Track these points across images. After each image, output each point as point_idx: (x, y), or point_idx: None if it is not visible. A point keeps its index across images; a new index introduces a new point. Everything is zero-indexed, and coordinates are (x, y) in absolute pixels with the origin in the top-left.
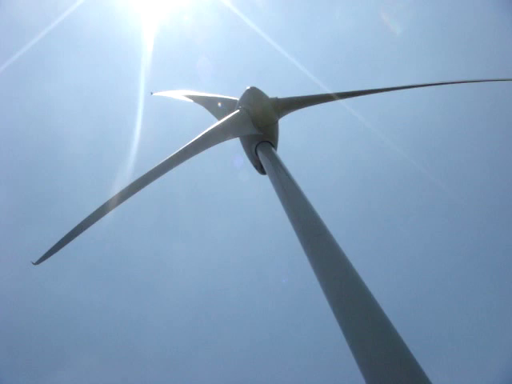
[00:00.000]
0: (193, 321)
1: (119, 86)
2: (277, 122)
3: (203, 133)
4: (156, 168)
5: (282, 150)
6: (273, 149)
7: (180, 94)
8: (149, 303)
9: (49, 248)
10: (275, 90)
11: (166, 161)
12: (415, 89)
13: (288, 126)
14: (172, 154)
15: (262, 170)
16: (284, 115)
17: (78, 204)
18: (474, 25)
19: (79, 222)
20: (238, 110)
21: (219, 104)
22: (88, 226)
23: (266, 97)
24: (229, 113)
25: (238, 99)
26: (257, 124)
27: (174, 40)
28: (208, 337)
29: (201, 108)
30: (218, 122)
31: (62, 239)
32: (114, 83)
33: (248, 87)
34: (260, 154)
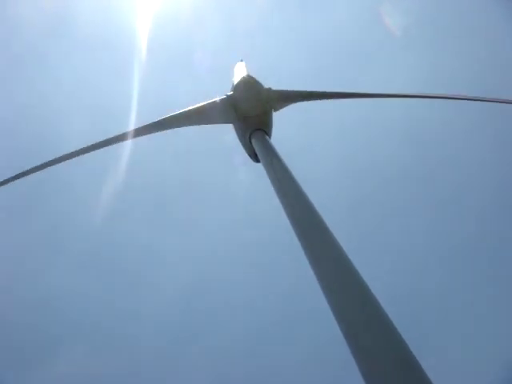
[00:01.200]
0: (185, 314)
1: (112, 79)
2: (269, 112)
3: (180, 111)
4: (126, 133)
5: (277, 139)
6: (267, 137)
7: None
8: (140, 295)
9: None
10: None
11: (140, 128)
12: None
13: (282, 115)
14: (148, 123)
15: (256, 159)
16: (279, 108)
17: (72, 199)
18: (474, 22)
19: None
20: (223, 96)
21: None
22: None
23: (260, 86)
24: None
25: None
26: (242, 113)
27: (170, 32)
28: (200, 330)
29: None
30: (198, 105)
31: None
32: (107, 76)
33: (244, 75)
34: (254, 141)
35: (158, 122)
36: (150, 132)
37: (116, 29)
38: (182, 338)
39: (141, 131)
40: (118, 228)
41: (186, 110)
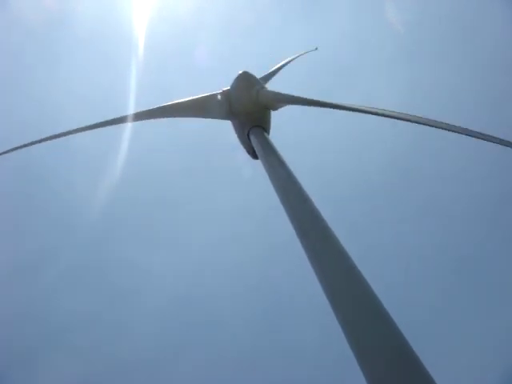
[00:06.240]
0: (175, 328)
1: (110, 78)
2: (265, 110)
3: (174, 102)
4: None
5: (275, 136)
6: (265, 134)
7: None
8: (129, 310)
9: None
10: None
11: (134, 114)
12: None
13: (282, 112)
14: (140, 111)
15: (254, 155)
16: (278, 108)
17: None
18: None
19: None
20: (218, 92)
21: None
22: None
23: (255, 84)
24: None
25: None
26: (235, 110)
27: (168, 29)
28: (188, 344)
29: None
30: (193, 98)
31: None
32: (105, 75)
33: (240, 71)
34: (253, 138)
35: (158, 108)
36: (148, 117)
37: (114, 25)
38: (167, 354)
39: (140, 116)
40: (107, 242)
41: (183, 100)
